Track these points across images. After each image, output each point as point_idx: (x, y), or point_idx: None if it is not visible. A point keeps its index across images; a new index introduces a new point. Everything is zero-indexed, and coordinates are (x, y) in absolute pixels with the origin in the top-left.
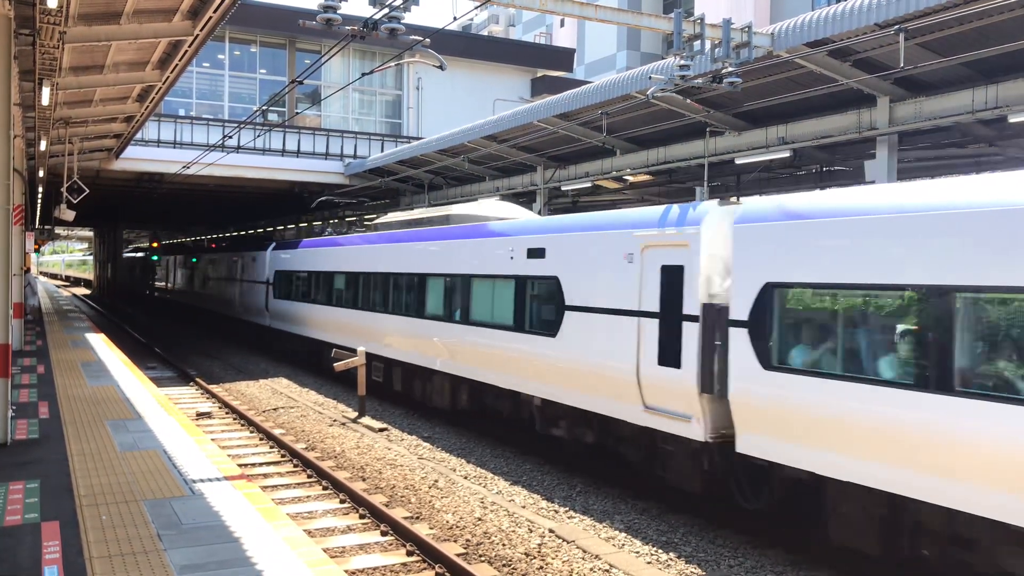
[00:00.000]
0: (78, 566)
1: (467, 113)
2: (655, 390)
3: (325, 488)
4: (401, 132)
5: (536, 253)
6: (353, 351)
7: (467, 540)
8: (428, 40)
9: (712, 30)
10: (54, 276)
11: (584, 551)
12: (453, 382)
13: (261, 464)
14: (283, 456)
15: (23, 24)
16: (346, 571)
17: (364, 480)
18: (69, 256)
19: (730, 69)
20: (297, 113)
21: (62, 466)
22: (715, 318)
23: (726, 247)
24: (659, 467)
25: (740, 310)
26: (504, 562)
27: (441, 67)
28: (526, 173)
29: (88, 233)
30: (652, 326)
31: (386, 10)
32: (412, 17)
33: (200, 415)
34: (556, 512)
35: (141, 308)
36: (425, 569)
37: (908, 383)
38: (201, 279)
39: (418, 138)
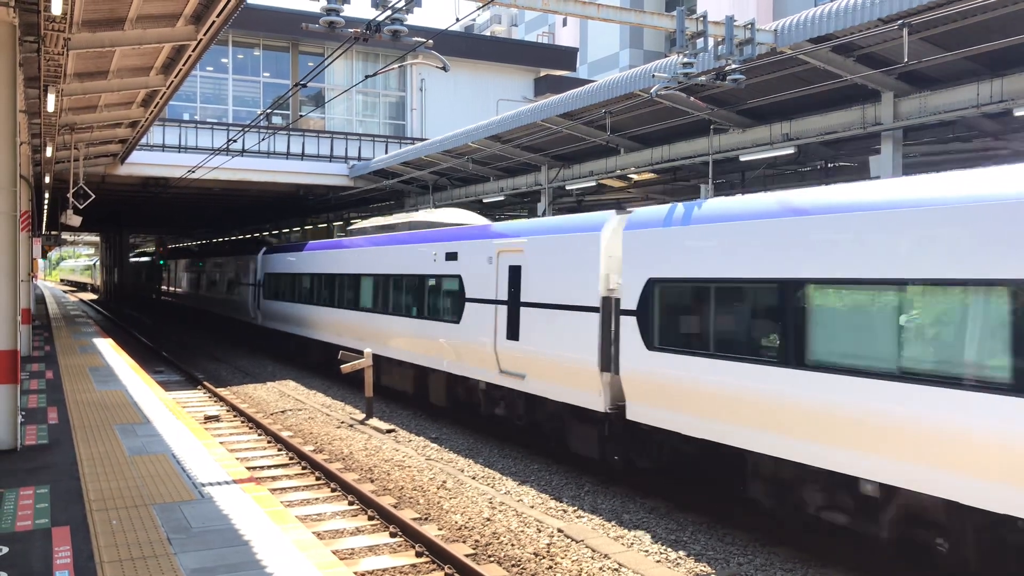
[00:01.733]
0: (89, 571)
1: (471, 114)
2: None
3: (334, 490)
4: (405, 133)
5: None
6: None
7: (476, 541)
8: (431, 41)
9: (715, 27)
10: (79, 287)
11: (593, 550)
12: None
13: (270, 467)
14: (291, 459)
15: (28, 31)
16: (355, 573)
17: (372, 482)
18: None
19: (733, 66)
20: (301, 116)
21: (72, 471)
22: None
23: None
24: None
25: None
26: (513, 562)
27: (444, 68)
28: (530, 173)
29: (94, 238)
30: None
31: (388, 12)
32: (414, 19)
33: (208, 419)
34: (565, 512)
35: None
36: (435, 570)
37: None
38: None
39: (422, 139)
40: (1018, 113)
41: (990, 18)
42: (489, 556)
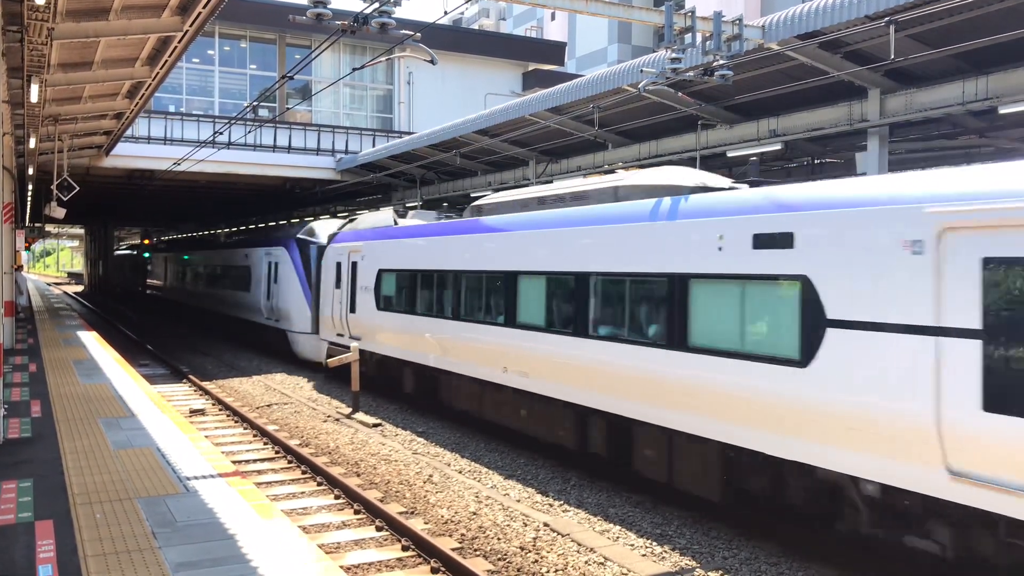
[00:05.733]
0: (73, 565)
1: (458, 107)
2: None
3: (320, 484)
4: (392, 127)
5: None
6: None
7: (462, 535)
8: (419, 35)
9: (703, 23)
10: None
11: (579, 544)
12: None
13: (255, 461)
14: (277, 452)
15: (11, 21)
16: (342, 567)
17: (359, 476)
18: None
19: (721, 62)
20: (288, 108)
21: (55, 465)
22: None
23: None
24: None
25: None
26: (499, 556)
27: (432, 62)
28: (518, 167)
29: (79, 231)
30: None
31: (376, 4)
32: (403, 11)
33: (193, 412)
34: (551, 506)
35: None
36: (420, 564)
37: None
38: None
39: (410, 133)
40: (1003, 111)
41: (976, 16)
42: (475, 550)
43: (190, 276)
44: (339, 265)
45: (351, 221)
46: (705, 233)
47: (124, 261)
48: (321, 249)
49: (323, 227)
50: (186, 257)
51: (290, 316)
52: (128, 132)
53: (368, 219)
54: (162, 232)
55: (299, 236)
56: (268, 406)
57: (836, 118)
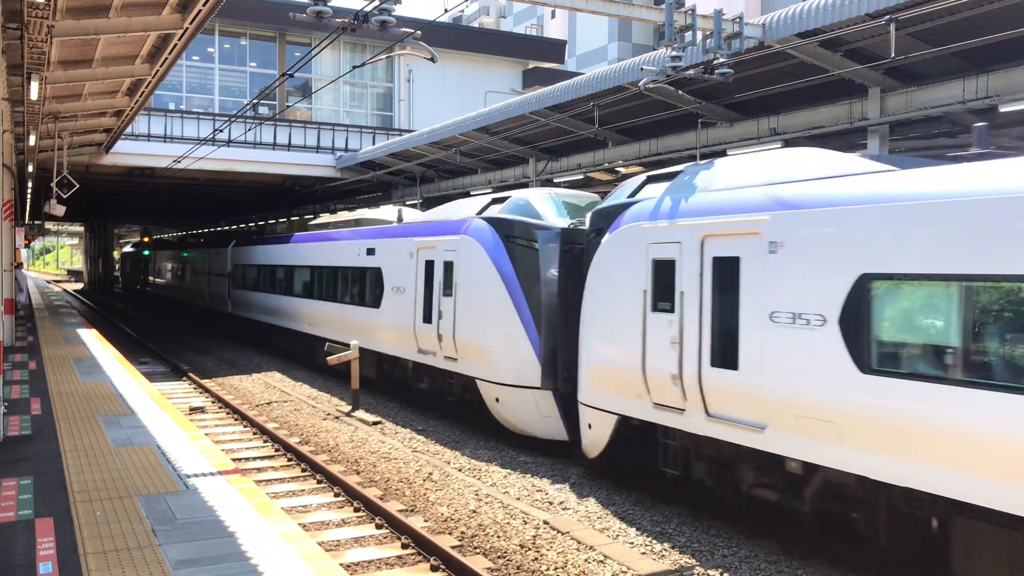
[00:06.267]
0: (72, 562)
1: (458, 105)
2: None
3: (319, 482)
4: (392, 125)
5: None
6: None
7: (462, 532)
8: (419, 32)
9: (703, 21)
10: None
11: (579, 542)
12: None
13: (255, 459)
14: (277, 450)
15: (11, 18)
16: (341, 564)
17: (358, 474)
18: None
19: (721, 60)
20: (288, 106)
21: (55, 462)
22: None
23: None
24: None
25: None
26: (499, 554)
27: (432, 59)
28: (518, 165)
29: (78, 228)
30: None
31: (376, 2)
32: (403, 9)
33: (193, 410)
34: (550, 504)
35: None
36: (420, 561)
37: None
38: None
39: (410, 131)
40: (1003, 109)
41: (976, 14)
42: (475, 548)
43: (243, 279)
44: (660, 266)
45: (673, 177)
46: None
47: (127, 259)
48: (567, 236)
49: (539, 199)
50: (217, 253)
51: (489, 354)
52: (128, 130)
53: (787, 163)
54: (164, 227)
55: (493, 216)
56: (268, 404)
57: (836, 116)
